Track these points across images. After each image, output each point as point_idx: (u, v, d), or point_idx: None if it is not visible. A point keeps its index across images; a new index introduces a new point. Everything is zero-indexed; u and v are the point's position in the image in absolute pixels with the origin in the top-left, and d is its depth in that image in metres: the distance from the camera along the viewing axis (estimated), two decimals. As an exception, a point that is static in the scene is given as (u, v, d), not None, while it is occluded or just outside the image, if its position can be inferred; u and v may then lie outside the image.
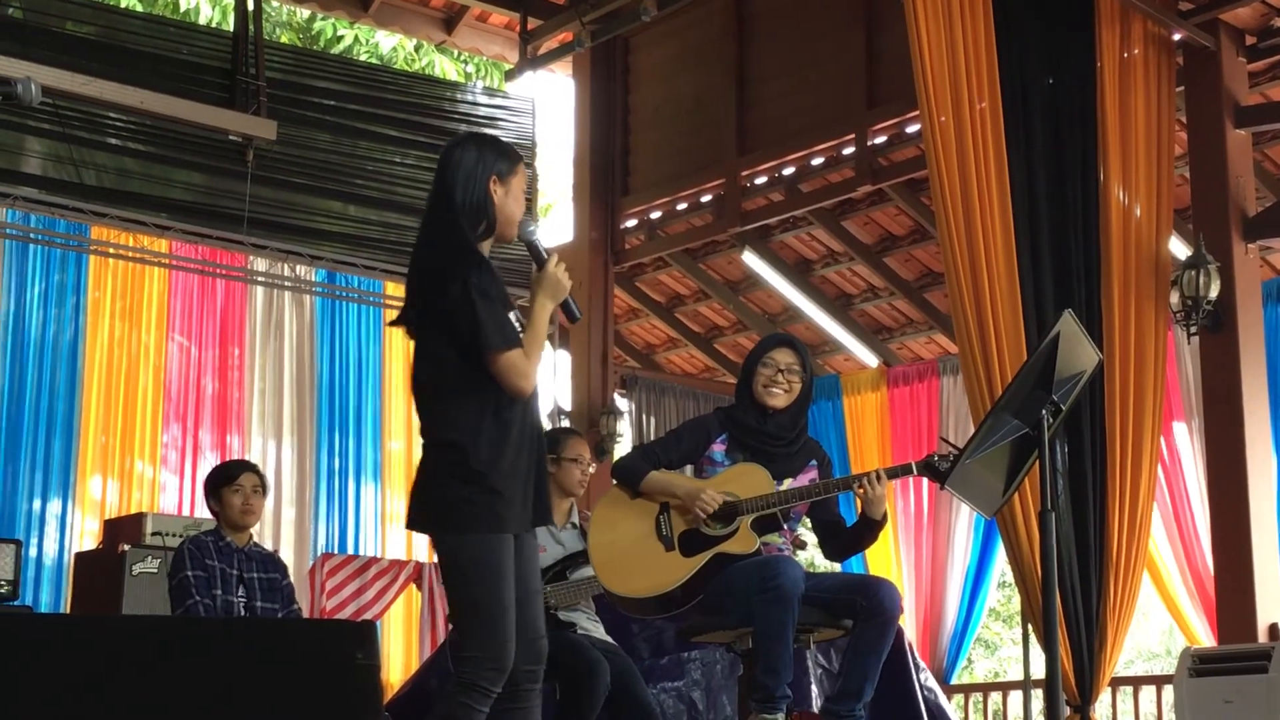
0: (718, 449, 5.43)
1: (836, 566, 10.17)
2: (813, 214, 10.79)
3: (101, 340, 9.90)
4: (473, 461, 4.12)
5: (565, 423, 10.62)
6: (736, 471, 5.36)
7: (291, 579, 6.73)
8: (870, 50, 9.64)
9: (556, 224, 17.71)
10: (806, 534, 6.22)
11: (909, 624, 10.58)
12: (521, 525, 4.19)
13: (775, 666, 5.04)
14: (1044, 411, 4.61)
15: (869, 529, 5.36)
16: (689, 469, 5.53)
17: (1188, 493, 9.41)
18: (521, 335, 4.20)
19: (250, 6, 10.19)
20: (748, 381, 5.45)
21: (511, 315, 4.21)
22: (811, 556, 15.44)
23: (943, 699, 7.86)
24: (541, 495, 4.27)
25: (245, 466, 6.67)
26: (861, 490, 5.25)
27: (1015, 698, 10.23)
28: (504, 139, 4.57)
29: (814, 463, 5.52)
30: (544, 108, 12.09)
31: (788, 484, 5.39)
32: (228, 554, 6.41)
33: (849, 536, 5.47)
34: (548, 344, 4.38)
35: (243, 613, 6.35)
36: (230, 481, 6.49)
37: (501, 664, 4.08)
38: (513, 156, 4.33)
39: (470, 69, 16.71)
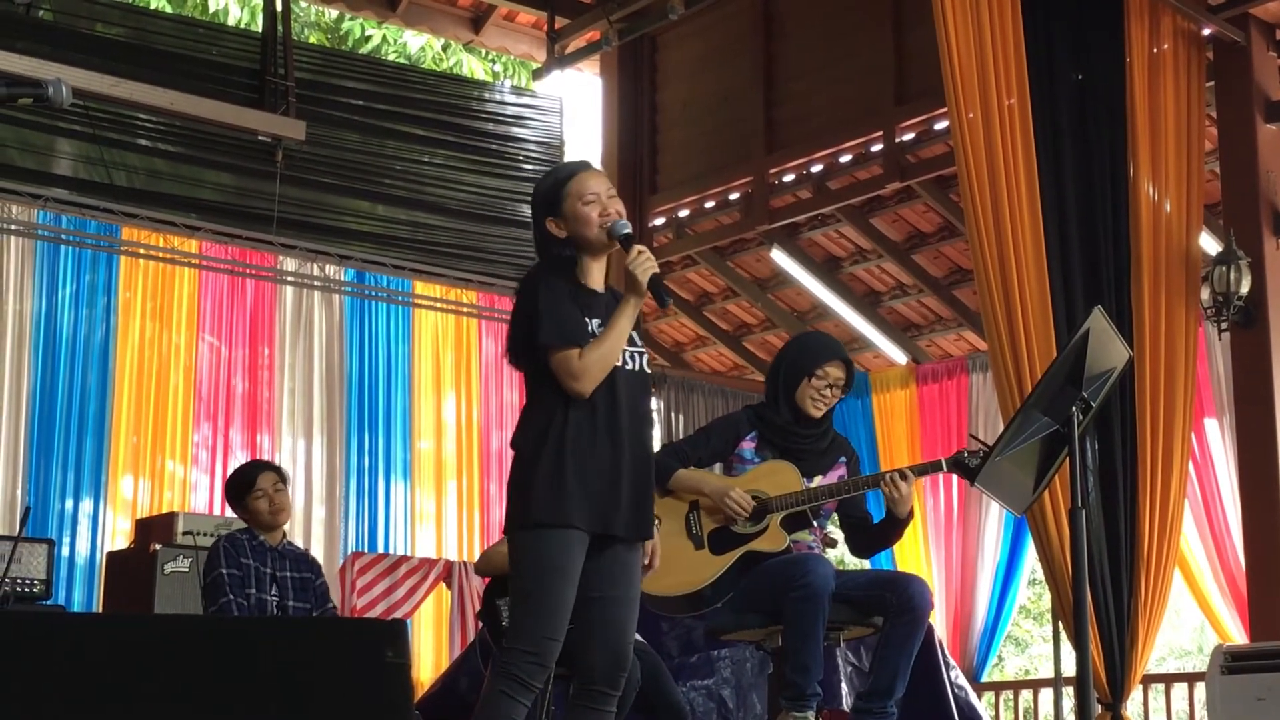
0: (747, 447, 5.43)
1: (866, 564, 10.18)
2: (841, 211, 10.77)
3: (132, 340, 9.94)
4: (533, 460, 4.15)
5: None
6: (766, 469, 5.36)
7: (325, 577, 6.75)
8: (898, 47, 9.62)
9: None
10: (836, 531, 6.22)
11: (939, 621, 10.56)
12: (596, 524, 4.13)
13: (805, 664, 5.05)
14: (1074, 408, 4.59)
15: (894, 526, 5.36)
16: (718, 466, 5.54)
17: (1219, 489, 9.37)
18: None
19: (279, 7, 10.23)
20: (789, 384, 5.44)
21: (594, 323, 4.22)
22: (841, 554, 15.43)
23: (973, 696, 7.86)
24: (639, 504, 4.21)
25: (259, 468, 6.68)
26: (887, 489, 5.25)
27: (1046, 695, 10.20)
28: (569, 163, 4.58)
29: (843, 459, 5.52)
30: (571, 106, 12.10)
31: (817, 481, 5.40)
32: (261, 553, 6.44)
33: (875, 533, 5.48)
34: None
35: (275, 612, 6.38)
36: (250, 488, 6.50)
37: (542, 659, 4.08)
38: (560, 180, 4.35)
39: (498, 68, 16.73)
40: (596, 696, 4.18)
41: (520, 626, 4.13)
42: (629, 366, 4.26)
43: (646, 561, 4.35)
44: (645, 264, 4.19)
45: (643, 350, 4.36)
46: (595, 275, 4.35)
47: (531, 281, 4.31)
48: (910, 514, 5.33)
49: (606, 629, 4.17)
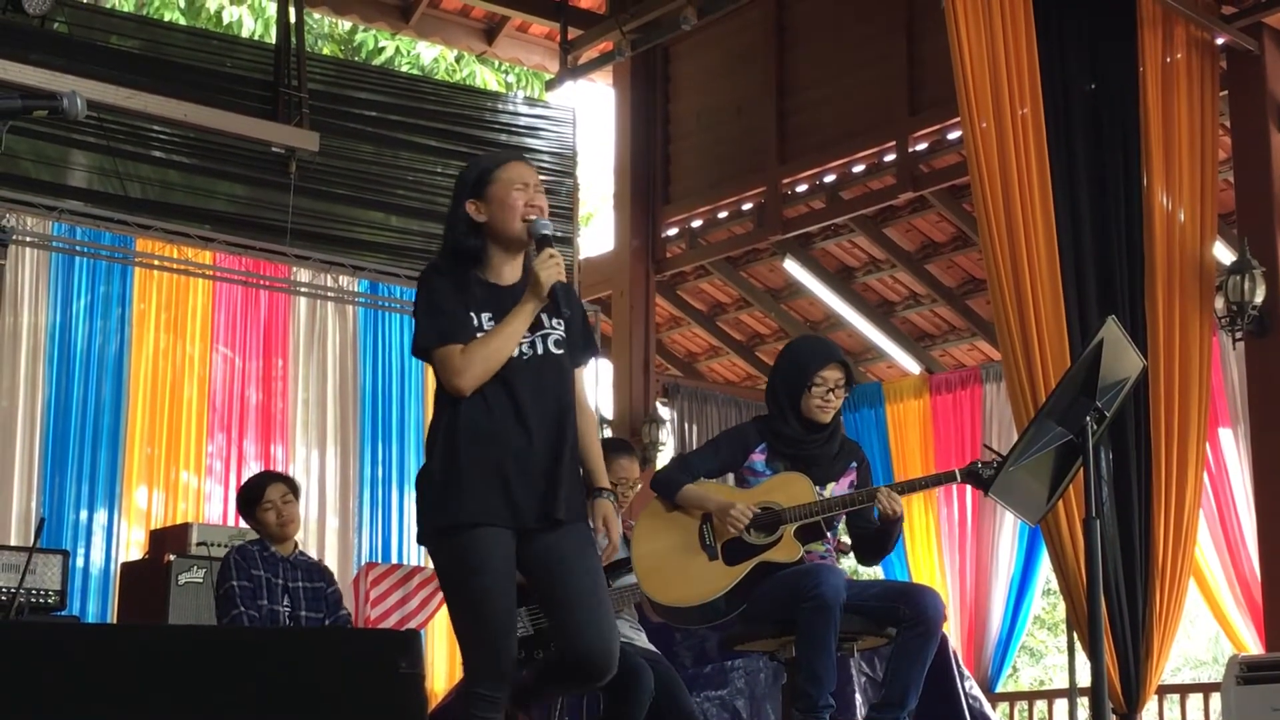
0: (758, 459, 5.43)
1: (880, 574, 10.16)
2: (854, 221, 10.77)
3: (146, 352, 9.96)
4: (427, 464, 4.12)
5: (608, 432, 10.63)
6: (779, 481, 5.36)
7: (338, 586, 6.75)
8: (911, 57, 9.63)
9: (598, 233, 17.73)
10: (848, 539, 6.22)
11: (953, 631, 10.54)
12: (506, 518, 4.03)
13: (818, 675, 5.04)
14: (1088, 418, 4.58)
15: (888, 533, 5.38)
16: (730, 478, 5.53)
17: (1234, 499, 9.35)
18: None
19: (292, 19, 10.25)
20: (791, 397, 5.43)
21: (484, 317, 4.13)
22: (854, 564, 15.42)
23: (987, 707, 7.84)
24: (556, 488, 4.08)
25: (268, 479, 6.67)
26: (881, 505, 5.26)
27: (1061, 706, 10.18)
28: (502, 152, 4.54)
29: (854, 465, 5.52)
30: (585, 117, 12.11)
31: (830, 488, 5.40)
32: (273, 563, 6.44)
33: (877, 540, 5.48)
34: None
35: (288, 622, 6.38)
36: (259, 501, 6.51)
37: (493, 669, 4.00)
38: (490, 166, 4.29)
39: (511, 79, 16.76)
40: (568, 685, 4.17)
41: (465, 642, 4.08)
42: (525, 356, 4.15)
43: (598, 536, 4.23)
44: (554, 268, 4.11)
45: (549, 331, 4.23)
46: (504, 270, 4.25)
47: (421, 276, 4.26)
48: (900, 518, 5.34)
49: (569, 629, 4.05)
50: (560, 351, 4.23)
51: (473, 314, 4.13)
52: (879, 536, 5.42)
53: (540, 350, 4.19)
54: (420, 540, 4.16)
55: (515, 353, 4.12)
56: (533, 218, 4.18)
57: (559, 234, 4.39)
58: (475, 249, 4.22)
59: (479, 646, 4.01)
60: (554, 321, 4.23)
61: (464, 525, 4.00)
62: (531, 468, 4.07)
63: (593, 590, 4.09)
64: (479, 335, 4.10)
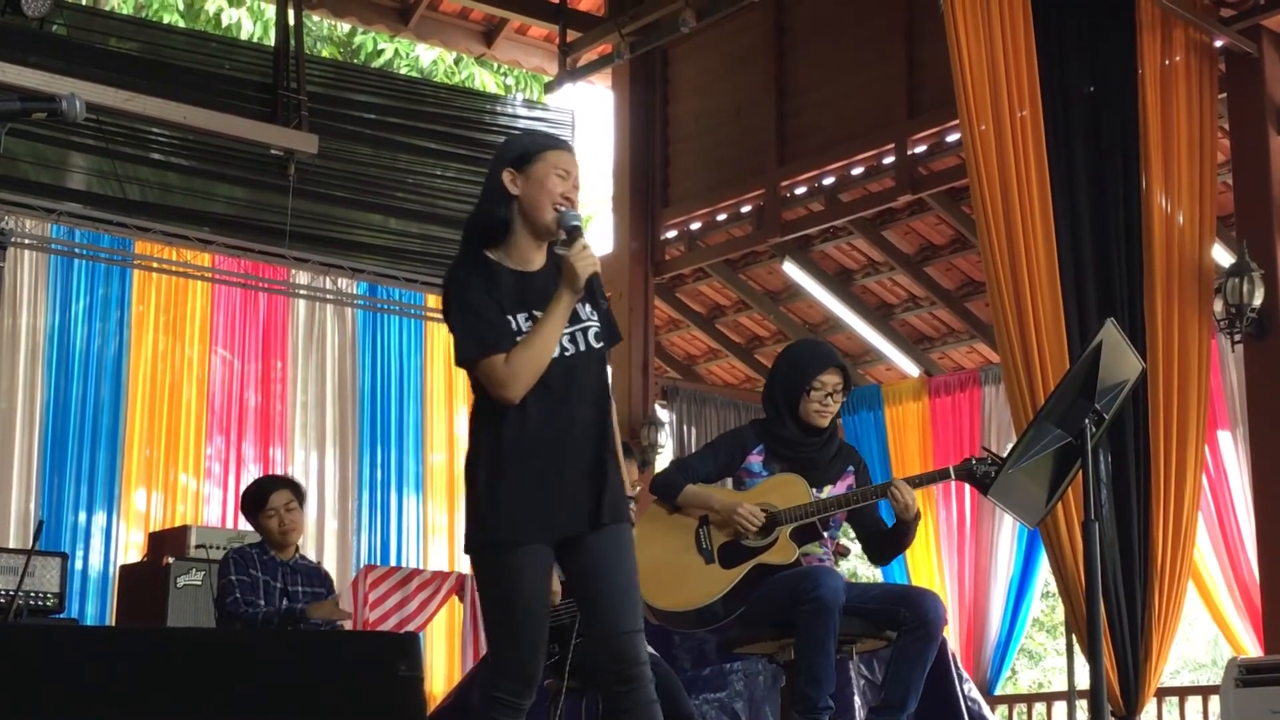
0: (755, 460, 5.43)
1: (879, 576, 10.16)
2: (853, 224, 10.77)
3: (145, 354, 9.97)
4: (471, 477, 4.03)
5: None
6: (775, 482, 5.36)
7: (337, 591, 6.75)
8: (910, 59, 9.62)
9: (597, 235, 17.73)
10: (847, 542, 6.22)
11: (952, 634, 10.54)
12: (549, 532, 3.97)
13: (818, 677, 5.04)
14: (1087, 421, 4.58)
15: (905, 531, 5.36)
16: (728, 481, 5.53)
17: (1233, 502, 9.35)
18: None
19: (291, 21, 10.26)
20: (789, 401, 5.43)
21: (520, 318, 4.02)
22: (854, 566, 15.40)
23: (986, 709, 7.83)
24: (598, 491, 3.99)
25: (274, 485, 6.67)
26: (894, 497, 5.25)
27: (1060, 708, 10.17)
28: (556, 136, 4.40)
29: (851, 468, 5.52)
30: (584, 119, 12.14)
31: (827, 491, 5.40)
32: (272, 567, 6.44)
33: (889, 539, 5.47)
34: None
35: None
36: (262, 507, 6.51)
37: (518, 678, 3.98)
38: (540, 143, 4.16)
39: (510, 81, 16.76)
40: (616, 697, 4.01)
41: (493, 648, 4.07)
42: (569, 353, 4.04)
43: None
44: (589, 260, 3.98)
45: (587, 324, 4.10)
46: (529, 255, 4.11)
47: (446, 284, 4.11)
48: (918, 515, 5.32)
49: (601, 628, 4.00)
50: (600, 345, 4.12)
51: (509, 317, 4.00)
52: (895, 535, 5.41)
53: (581, 346, 4.08)
54: (465, 549, 4.13)
55: (556, 352, 4.01)
56: (563, 208, 4.06)
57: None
58: (503, 220, 4.08)
59: (507, 654, 4.00)
60: (588, 310, 4.11)
61: (503, 542, 3.96)
62: (575, 472, 4.00)
63: (626, 590, 4.02)
64: (519, 339, 3.97)
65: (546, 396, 3.98)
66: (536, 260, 4.12)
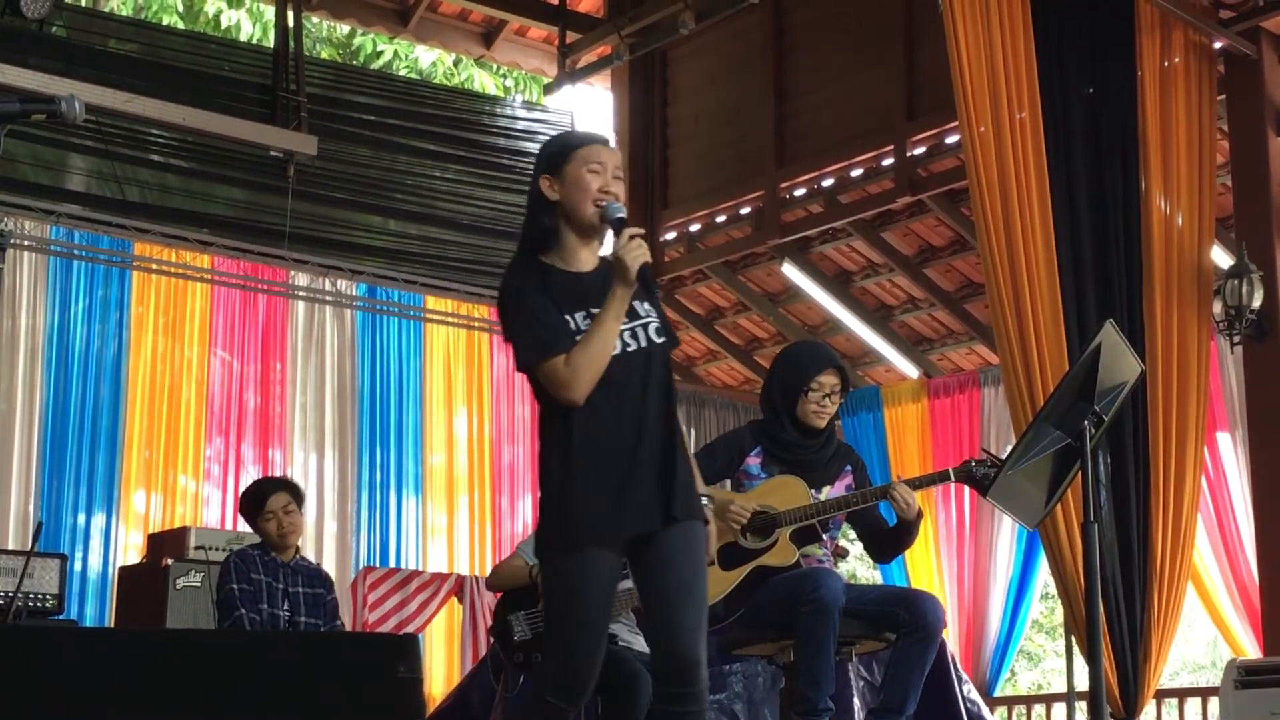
0: (753, 462, 5.43)
1: (879, 577, 10.16)
2: (852, 225, 10.77)
3: (145, 355, 9.96)
4: (544, 482, 3.99)
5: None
6: (774, 484, 5.36)
7: (336, 594, 6.75)
8: (909, 61, 9.63)
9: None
10: (846, 543, 6.23)
11: (951, 635, 10.54)
12: (620, 532, 3.90)
13: (817, 679, 5.04)
14: (1086, 422, 4.58)
15: (907, 530, 5.36)
16: (726, 483, 5.53)
17: (1232, 503, 9.34)
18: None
19: (291, 23, 10.27)
20: (787, 402, 5.43)
21: (578, 317, 3.97)
22: (853, 568, 15.40)
23: (985, 711, 7.83)
24: (667, 488, 3.92)
25: (272, 488, 6.65)
26: (896, 503, 5.25)
27: (1059, 710, 10.17)
28: (587, 132, 4.29)
29: (849, 468, 5.53)
30: (583, 121, 12.12)
31: (825, 491, 5.40)
32: (273, 568, 6.44)
33: (891, 538, 5.48)
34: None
35: (287, 627, 6.38)
36: (260, 510, 6.49)
37: (568, 684, 3.93)
38: (570, 144, 4.11)
39: (509, 83, 16.77)
40: (664, 698, 3.93)
41: (547, 650, 4.03)
42: (631, 349, 3.98)
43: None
44: (636, 250, 3.90)
45: (646, 320, 4.04)
46: (581, 255, 4.07)
47: (501, 293, 4.07)
48: (920, 514, 5.33)
49: (659, 625, 3.93)
50: (662, 340, 4.06)
51: (567, 317, 3.95)
52: (897, 533, 5.41)
53: (643, 342, 4.02)
54: (535, 552, 4.10)
55: (618, 348, 3.95)
56: (604, 203, 4.01)
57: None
58: (548, 229, 4.05)
59: (560, 660, 3.94)
60: (646, 307, 4.06)
61: (571, 548, 3.90)
62: (645, 470, 3.92)
63: (689, 586, 3.94)
64: (577, 339, 3.92)
65: (612, 394, 3.93)
66: (590, 260, 4.09)
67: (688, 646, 3.87)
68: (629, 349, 3.98)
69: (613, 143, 4.32)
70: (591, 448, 3.91)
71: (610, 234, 4.04)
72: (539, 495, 4.03)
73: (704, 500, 4.16)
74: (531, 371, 3.96)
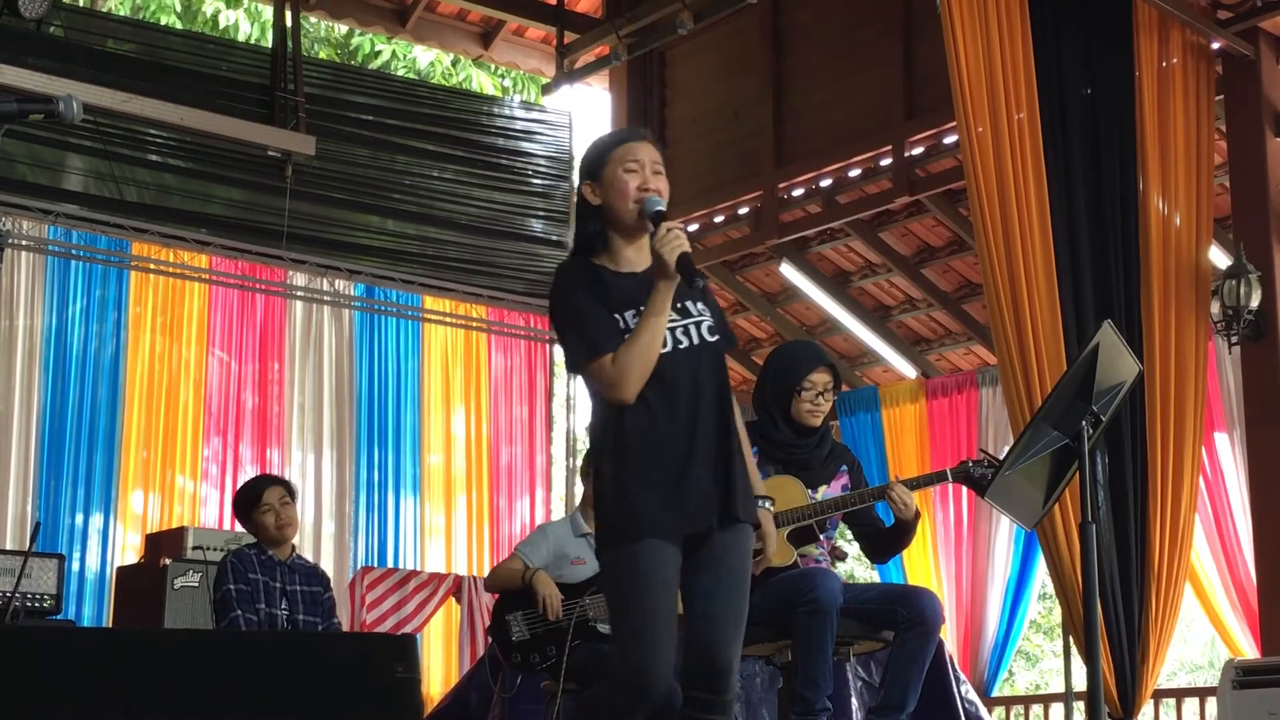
0: (749, 463, 5.42)
1: (876, 577, 10.16)
2: (850, 225, 10.77)
3: (142, 355, 9.96)
4: (598, 478, 3.94)
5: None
6: (770, 484, 5.35)
7: (333, 592, 6.75)
8: (907, 61, 9.62)
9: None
10: (844, 544, 6.22)
11: (949, 635, 10.54)
12: (675, 528, 3.82)
13: (815, 679, 5.04)
14: (1084, 423, 4.59)
15: (906, 530, 5.36)
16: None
17: (1230, 504, 9.34)
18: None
19: (289, 23, 10.27)
20: (780, 402, 5.43)
21: (628, 315, 3.91)
22: (851, 568, 15.39)
23: (983, 711, 7.84)
24: (721, 489, 3.87)
25: (266, 482, 6.68)
26: (893, 503, 5.25)
27: (1057, 710, 10.16)
28: (624, 130, 4.28)
29: (845, 468, 5.53)
30: (581, 121, 12.12)
31: (822, 491, 5.40)
32: (270, 567, 6.44)
33: (888, 538, 5.48)
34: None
35: (285, 626, 6.38)
36: (257, 504, 6.50)
37: (643, 682, 3.75)
38: (605, 146, 4.09)
39: (507, 83, 16.76)
40: (690, 703, 3.84)
41: (621, 643, 3.85)
42: (683, 346, 3.93)
43: (759, 546, 4.04)
44: (673, 242, 3.84)
45: (699, 319, 4.00)
46: (631, 257, 4.03)
47: (550, 295, 4.04)
48: (917, 515, 5.33)
49: (698, 627, 3.85)
50: (715, 338, 4.01)
51: (616, 315, 3.91)
52: (894, 534, 5.42)
53: (696, 339, 3.97)
54: (596, 554, 4.04)
55: (669, 346, 3.90)
56: (642, 199, 3.98)
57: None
58: (595, 234, 4.03)
59: (633, 657, 3.78)
60: (700, 307, 4.02)
61: (629, 539, 3.81)
62: (700, 468, 3.86)
63: (733, 594, 3.88)
64: (626, 337, 3.87)
65: (665, 392, 3.88)
66: (640, 260, 4.04)
67: (723, 652, 3.82)
68: (681, 346, 3.94)
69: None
70: (644, 445, 3.85)
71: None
72: (595, 497, 3.98)
73: (766, 503, 4.12)
74: (581, 371, 3.93)
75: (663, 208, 3.97)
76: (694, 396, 3.91)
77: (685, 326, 3.96)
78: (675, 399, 3.88)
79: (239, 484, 7.86)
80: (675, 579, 3.85)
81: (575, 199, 4.11)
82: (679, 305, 3.96)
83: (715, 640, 3.83)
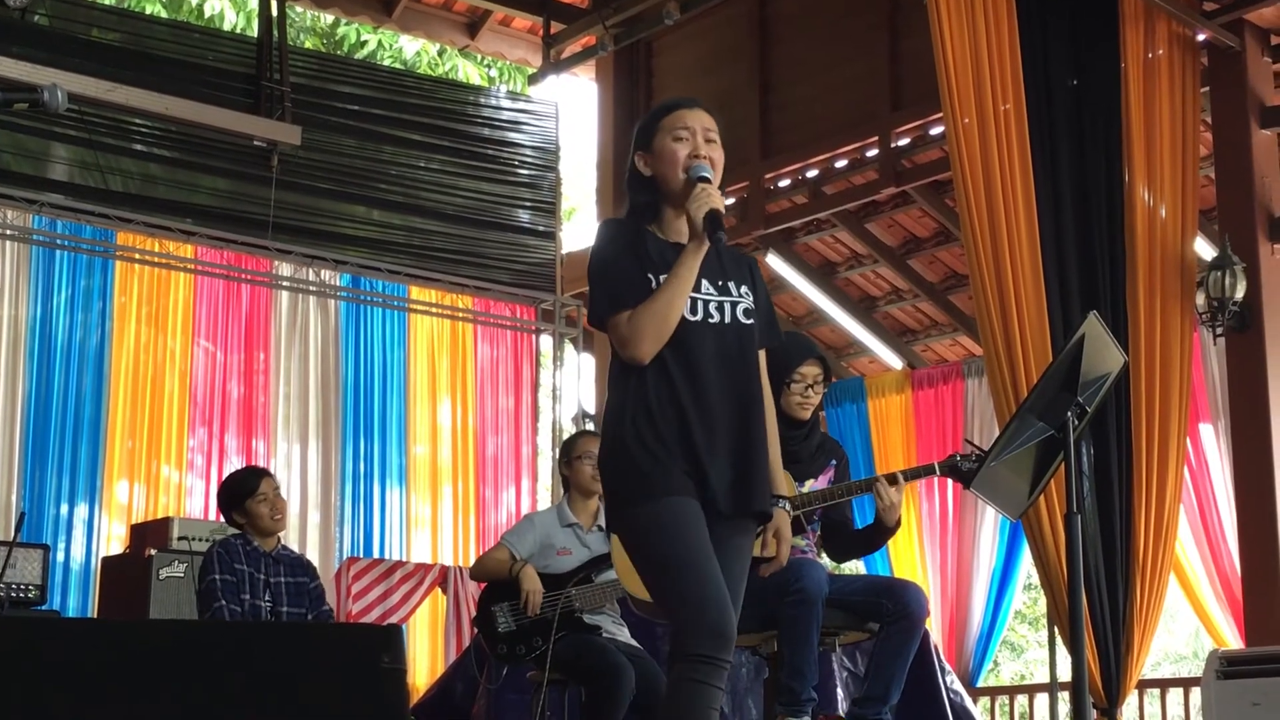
0: (739, 455, 5.42)
1: (862, 568, 10.17)
2: (836, 216, 10.78)
3: (127, 345, 9.93)
4: (607, 443, 3.81)
5: (590, 426, 10.63)
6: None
7: (320, 580, 6.74)
8: (894, 52, 9.63)
9: (580, 228, 17.72)
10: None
11: (934, 626, 10.56)
12: (685, 488, 3.67)
13: (800, 669, 5.05)
14: (1069, 413, 4.59)
15: (881, 534, 5.36)
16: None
17: (1214, 494, 9.38)
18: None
19: (274, 12, 10.24)
20: (771, 392, 5.43)
21: (663, 279, 3.77)
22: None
23: (968, 701, 7.85)
24: (739, 477, 3.74)
25: (261, 474, 6.67)
26: (879, 494, 5.24)
27: (1042, 700, 10.20)
28: (677, 97, 4.05)
29: (833, 462, 5.53)
30: (567, 111, 12.11)
31: (809, 484, 5.40)
32: (255, 558, 6.43)
33: (857, 538, 5.48)
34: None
35: (270, 618, 6.37)
36: (253, 493, 6.49)
37: (707, 627, 3.56)
38: (656, 115, 3.98)
39: (493, 73, 16.74)
40: (691, 660, 3.59)
41: (671, 602, 3.65)
42: (713, 320, 3.81)
43: (765, 551, 3.90)
44: (703, 198, 3.73)
45: (738, 300, 3.87)
46: (683, 227, 3.87)
47: (591, 253, 3.92)
48: (898, 522, 5.32)
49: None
50: (749, 322, 3.87)
51: (649, 275, 3.77)
52: (865, 536, 5.42)
53: (727, 317, 3.83)
54: (609, 526, 3.88)
55: (699, 315, 3.78)
56: (691, 167, 3.85)
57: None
58: (647, 205, 3.93)
59: (689, 606, 3.58)
60: (743, 290, 3.89)
61: (655, 494, 3.65)
62: (719, 445, 3.73)
63: (734, 579, 3.76)
64: None
65: (682, 360, 3.75)
66: (689, 232, 3.87)
67: (730, 615, 3.65)
68: (711, 320, 3.81)
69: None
70: (661, 409, 3.72)
71: None
72: (603, 464, 3.85)
73: (784, 504, 4.00)
74: (599, 324, 3.85)
75: (708, 174, 3.85)
76: (715, 370, 3.77)
77: (721, 303, 3.85)
78: (695, 370, 3.75)
79: (224, 474, 7.85)
80: (705, 527, 3.69)
81: (627, 170, 3.99)
82: (720, 282, 3.87)
83: (717, 618, 3.63)
